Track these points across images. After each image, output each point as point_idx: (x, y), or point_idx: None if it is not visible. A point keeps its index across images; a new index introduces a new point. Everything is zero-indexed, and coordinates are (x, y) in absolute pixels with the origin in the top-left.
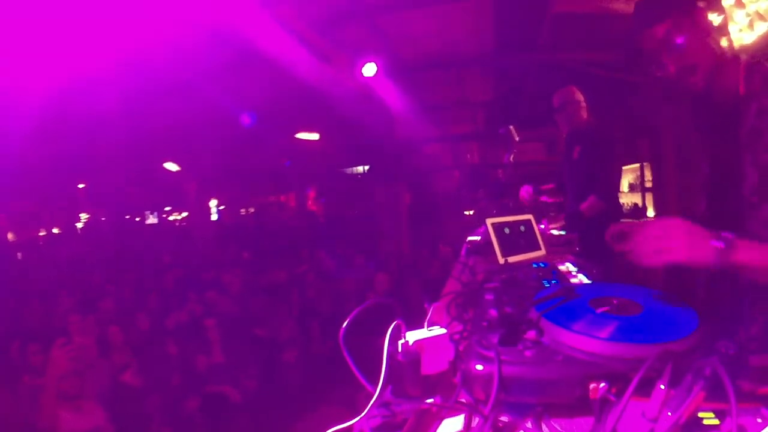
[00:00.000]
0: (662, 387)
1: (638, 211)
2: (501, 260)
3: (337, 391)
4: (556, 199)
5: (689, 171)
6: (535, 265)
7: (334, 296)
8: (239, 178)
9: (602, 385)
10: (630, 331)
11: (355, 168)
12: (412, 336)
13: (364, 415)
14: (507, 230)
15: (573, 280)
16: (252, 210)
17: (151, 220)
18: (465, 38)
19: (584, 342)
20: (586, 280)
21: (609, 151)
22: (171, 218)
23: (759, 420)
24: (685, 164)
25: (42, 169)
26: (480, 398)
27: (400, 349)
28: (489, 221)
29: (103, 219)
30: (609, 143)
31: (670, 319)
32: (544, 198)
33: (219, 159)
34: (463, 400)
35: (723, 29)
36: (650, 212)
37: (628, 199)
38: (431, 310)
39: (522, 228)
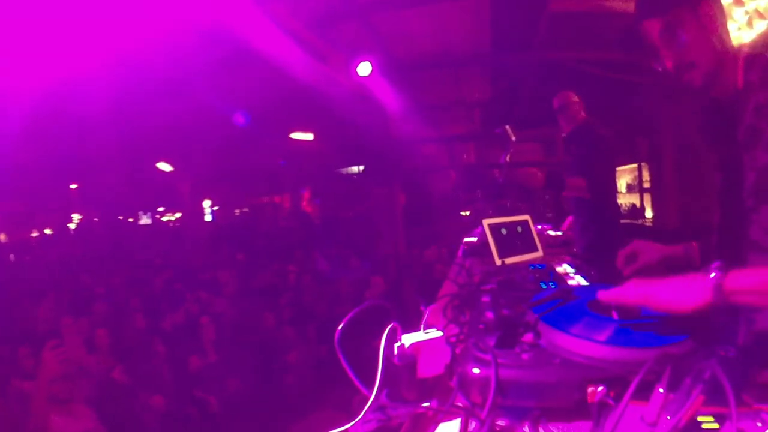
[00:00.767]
0: (661, 390)
1: (636, 211)
2: (498, 262)
3: (332, 394)
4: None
5: (688, 172)
6: (532, 267)
7: (329, 298)
8: (233, 178)
9: (600, 388)
10: (628, 334)
11: (350, 168)
12: (408, 339)
13: (360, 419)
14: (504, 231)
15: (571, 282)
16: (246, 210)
17: (145, 220)
18: (461, 37)
19: (582, 345)
20: (584, 282)
21: (599, 148)
22: (164, 219)
23: (759, 424)
24: (685, 165)
25: (34, 169)
26: (477, 402)
27: (396, 352)
28: (486, 222)
29: (95, 220)
30: (600, 141)
31: (669, 321)
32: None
33: (213, 159)
34: (460, 404)
35: (725, 26)
36: (648, 213)
37: (626, 199)
38: (427, 312)
39: (519, 229)
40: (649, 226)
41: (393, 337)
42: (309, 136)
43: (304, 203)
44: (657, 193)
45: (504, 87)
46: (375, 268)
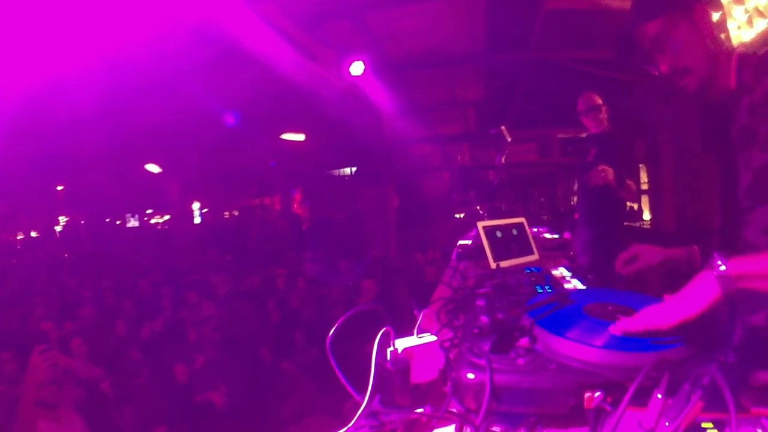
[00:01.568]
0: (659, 396)
1: (634, 214)
2: (493, 265)
3: (324, 400)
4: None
5: (687, 173)
6: (527, 270)
7: (320, 302)
8: (223, 179)
9: (597, 394)
10: (626, 338)
11: (341, 169)
12: (401, 343)
13: (352, 425)
14: (499, 234)
15: (567, 286)
16: (236, 213)
17: (132, 223)
18: (455, 36)
19: (579, 350)
20: (580, 286)
21: (630, 155)
22: (152, 221)
23: (759, 430)
24: (683, 166)
25: (19, 170)
26: (471, 408)
27: (388, 357)
28: (480, 224)
29: (82, 222)
30: (625, 146)
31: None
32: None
33: (202, 160)
34: (454, 410)
35: (721, 27)
36: (646, 215)
37: None
38: (421, 316)
39: (514, 231)
40: (647, 229)
41: (386, 342)
42: (300, 137)
43: (295, 205)
44: (655, 194)
45: (499, 86)
46: (367, 271)
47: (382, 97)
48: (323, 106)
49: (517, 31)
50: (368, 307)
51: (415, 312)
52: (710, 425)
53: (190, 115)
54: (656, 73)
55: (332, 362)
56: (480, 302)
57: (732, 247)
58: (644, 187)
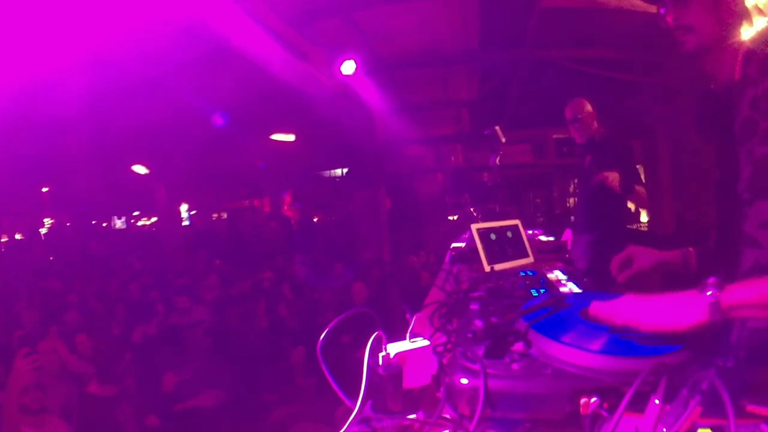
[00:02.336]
0: (657, 402)
1: (631, 215)
2: (487, 268)
3: (315, 406)
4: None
5: (685, 174)
6: (522, 273)
7: (310, 306)
8: (211, 181)
9: (593, 399)
10: (623, 343)
11: (332, 171)
12: (394, 348)
13: (344, 431)
14: (493, 236)
15: (563, 289)
16: (224, 215)
17: (119, 225)
18: (449, 34)
19: (574, 354)
20: (576, 289)
21: (630, 158)
22: (139, 223)
23: None
24: (681, 167)
25: (3, 171)
26: (465, 414)
27: (380, 362)
28: (474, 227)
29: (68, 224)
30: (629, 151)
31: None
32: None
33: (190, 161)
34: (447, 416)
35: (735, 15)
36: (643, 217)
37: None
38: (413, 320)
39: (509, 234)
40: (644, 231)
41: (378, 347)
42: (290, 138)
43: (285, 207)
44: (652, 196)
45: (493, 86)
46: (358, 274)
47: (373, 97)
48: (314, 106)
49: (512, 30)
50: (360, 311)
51: (408, 316)
52: (709, 431)
53: (178, 116)
54: (665, 26)
55: (323, 367)
56: (474, 306)
57: (729, 241)
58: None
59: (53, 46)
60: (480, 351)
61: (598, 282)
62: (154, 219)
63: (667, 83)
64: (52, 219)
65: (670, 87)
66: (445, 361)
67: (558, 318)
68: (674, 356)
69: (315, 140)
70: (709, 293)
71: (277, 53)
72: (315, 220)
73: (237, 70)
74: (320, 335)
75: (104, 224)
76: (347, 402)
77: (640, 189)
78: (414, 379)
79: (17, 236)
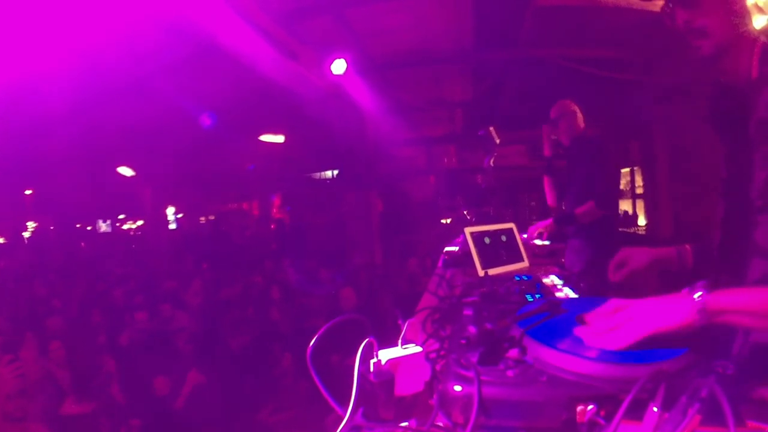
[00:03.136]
0: (655, 410)
1: (629, 219)
2: (481, 272)
3: (305, 414)
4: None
5: (684, 177)
6: (517, 278)
7: (300, 312)
8: (198, 183)
9: (590, 407)
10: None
11: (323, 173)
12: (385, 355)
13: None
14: (487, 240)
15: (558, 294)
16: (212, 218)
17: (104, 228)
18: (442, 33)
19: (571, 361)
20: (572, 294)
21: (606, 159)
22: (125, 227)
23: None
24: (680, 169)
25: None
26: (458, 422)
27: (372, 369)
28: (468, 230)
29: (51, 228)
30: (605, 151)
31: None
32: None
33: (177, 163)
34: (440, 424)
35: (747, 8)
36: (641, 220)
37: None
38: (405, 326)
39: (503, 238)
40: (642, 235)
41: (369, 353)
42: (279, 139)
43: (274, 210)
44: (650, 199)
45: (487, 86)
46: (349, 279)
47: (365, 97)
48: (304, 107)
49: (506, 28)
50: (351, 317)
51: (400, 322)
52: None
53: (165, 116)
54: (671, 25)
55: (313, 374)
56: (467, 312)
57: (735, 247)
58: (639, 191)
59: (36, 44)
60: (474, 358)
61: (593, 284)
62: (140, 222)
63: (665, 82)
64: (35, 222)
65: (669, 86)
66: (438, 367)
67: (554, 324)
68: (673, 363)
69: (305, 141)
70: (697, 295)
71: (266, 52)
72: (305, 223)
73: (225, 69)
74: (310, 341)
75: (89, 228)
76: (338, 410)
77: (584, 209)
78: (406, 387)
79: None
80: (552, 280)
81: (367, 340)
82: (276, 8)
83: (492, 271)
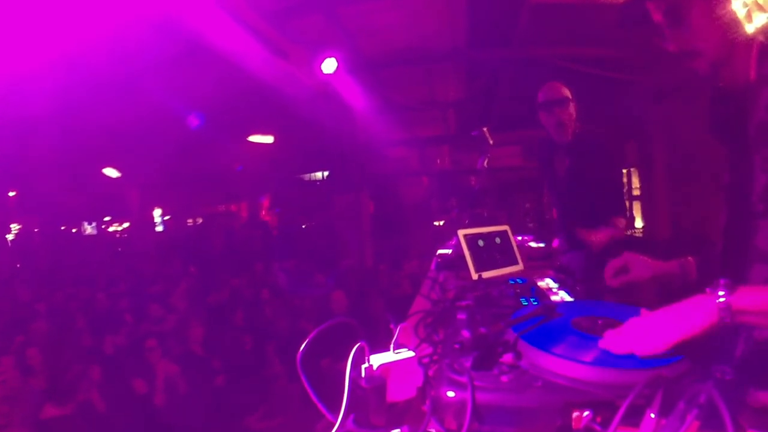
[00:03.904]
0: (652, 416)
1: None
2: (474, 276)
3: (295, 419)
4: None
5: (682, 178)
6: (512, 281)
7: (290, 316)
8: (186, 185)
9: (586, 413)
10: (617, 354)
11: (313, 174)
12: (377, 359)
13: None
14: (481, 243)
15: (554, 298)
16: (200, 220)
17: (89, 231)
18: (435, 32)
19: (566, 366)
20: (568, 298)
21: (619, 163)
22: (111, 229)
23: None
24: (677, 171)
25: None
26: (451, 428)
27: (363, 374)
28: (461, 233)
29: (36, 230)
30: (615, 154)
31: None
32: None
33: (164, 164)
34: (433, 430)
35: (736, 11)
36: (638, 222)
37: None
38: (398, 330)
39: (497, 240)
40: (639, 237)
41: (360, 358)
42: (269, 139)
43: (263, 212)
44: (647, 200)
45: (481, 85)
46: (340, 282)
47: (356, 97)
48: (293, 107)
49: (501, 27)
50: (341, 321)
51: (392, 326)
52: None
53: (151, 116)
54: (666, 49)
55: (303, 379)
56: (461, 315)
57: (738, 253)
58: (636, 192)
59: (19, 43)
60: (467, 362)
61: (589, 288)
62: (126, 224)
63: (662, 82)
64: (19, 224)
65: (666, 86)
66: (430, 373)
67: (549, 328)
68: (671, 368)
69: (294, 142)
70: (720, 294)
71: (255, 51)
72: (295, 225)
73: (213, 68)
74: (300, 346)
75: (74, 230)
76: (328, 416)
77: (619, 221)
78: (398, 392)
79: None
80: (547, 283)
81: (358, 344)
82: (265, 6)
83: (486, 274)
